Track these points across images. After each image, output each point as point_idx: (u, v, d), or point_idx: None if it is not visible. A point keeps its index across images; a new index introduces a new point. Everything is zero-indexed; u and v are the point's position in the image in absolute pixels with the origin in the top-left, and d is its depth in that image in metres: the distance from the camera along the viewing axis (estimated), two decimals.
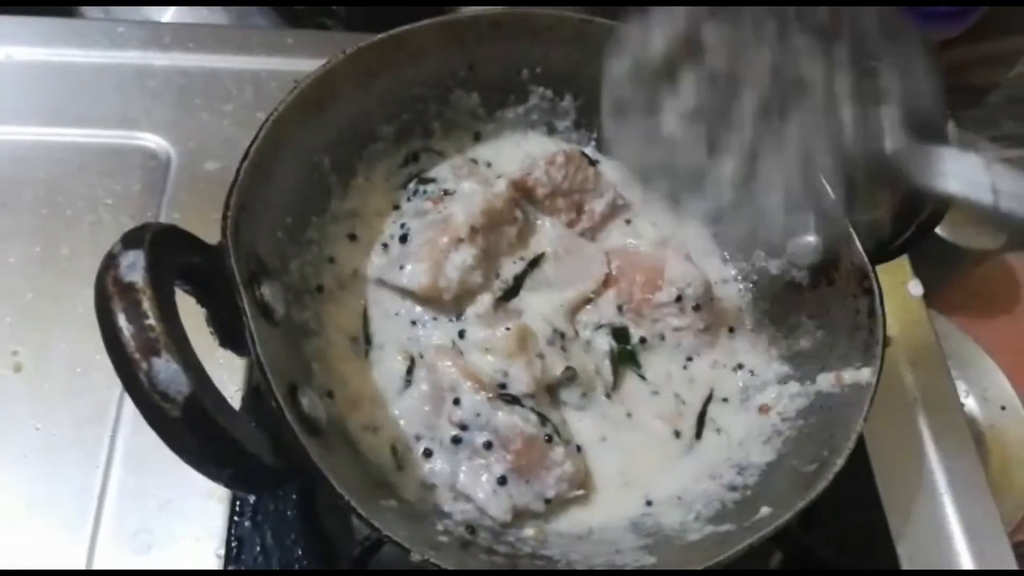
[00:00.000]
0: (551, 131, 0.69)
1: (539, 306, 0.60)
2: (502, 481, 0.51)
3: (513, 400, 0.53)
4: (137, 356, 0.36)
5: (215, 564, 0.57)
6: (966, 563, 0.65)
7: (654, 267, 0.62)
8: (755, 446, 0.56)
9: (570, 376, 0.57)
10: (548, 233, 0.63)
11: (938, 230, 0.88)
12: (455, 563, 0.44)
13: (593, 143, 0.69)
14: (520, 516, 0.52)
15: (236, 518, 0.59)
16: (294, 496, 0.59)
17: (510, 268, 0.60)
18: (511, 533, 0.51)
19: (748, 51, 0.48)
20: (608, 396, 0.58)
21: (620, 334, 0.60)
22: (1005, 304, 1.01)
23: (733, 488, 0.53)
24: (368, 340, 0.58)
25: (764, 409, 0.58)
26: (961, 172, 0.47)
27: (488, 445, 0.52)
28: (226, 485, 0.41)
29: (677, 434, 0.57)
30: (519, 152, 0.68)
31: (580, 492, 0.53)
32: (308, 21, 0.91)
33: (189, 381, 0.36)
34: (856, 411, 0.51)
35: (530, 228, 0.62)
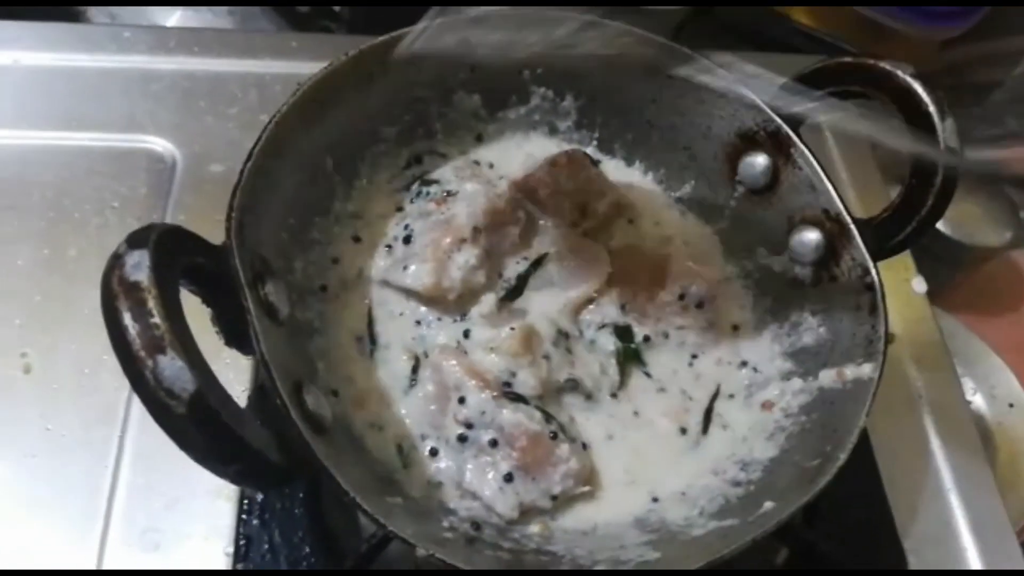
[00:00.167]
0: (553, 131, 0.69)
1: (543, 306, 0.60)
2: (508, 478, 0.52)
3: (518, 398, 0.54)
4: (143, 354, 0.36)
5: (224, 562, 0.58)
6: (973, 561, 0.64)
7: (657, 266, 0.62)
8: (758, 442, 0.56)
9: (573, 385, 0.57)
10: (551, 233, 0.63)
11: (942, 227, 0.88)
12: (461, 559, 0.45)
13: (595, 143, 0.69)
14: (527, 513, 0.52)
15: (244, 516, 0.59)
16: (301, 495, 0.60)
17: (514, 268, 0.61)
18: (516, 529, 0.51)
19: None
20: (614, 395, 0.58)
21: (624, 333, 0.60)
22: (1011, 302, 1.01)
23: (737, 484, 0.54)
24: (373, 340, 0.58)
25: (767, 405, 0.58)
26: None
27: (494, 443, 0.52)
28: (232, 481, 0.41)
29: (683, 431, 0.58)
30: (521, 153, 0.68)
31: (586, 488, 0.54)
32: (311, 24, 0.92)
33: (194, 378, 0.37)
34: (858, 406, 0.51)
35: (533, 228, 0.63)
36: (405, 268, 0.58)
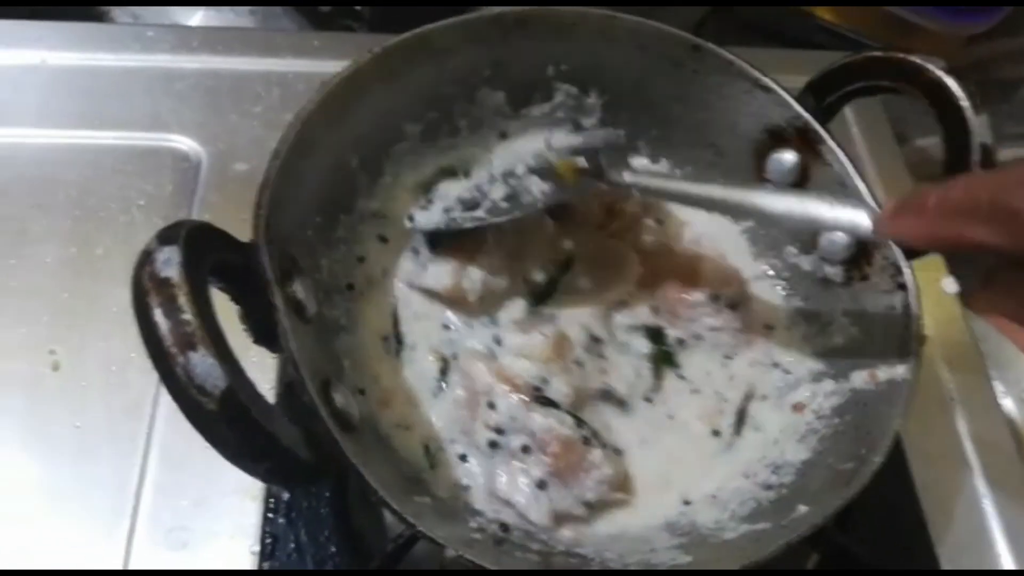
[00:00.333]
0: (577, 128, 0.68)
1: (573, 311, 0.59)
2: (541, 485, 0.51)
3: (549, 403, 0.53)
4: (174, 350, 0.36)
5: (250, 561, 0.57)
6: (1007, 564, 0.63)
7: (688, 266, 0.61)
8: (790, 444, 0.55)
9: (606, 395, 0.56)
10: (577, 235, 0.62)
11: None
12: (491, 560, 0.44)
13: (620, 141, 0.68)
14: (560, 520, 0.51)
15: (270, 515, 0.59)
16: (327, 494, 0.59)
17: (540, 271, 0.60)
18: (546, 531, 0.51)
19: None
20: (648, 399, 0.57)
21: (656, 335, 0.60)
22: None
23: (768, 487, 0.53)
24: (399, 340, 0.57)
25: (799, 407, 0.57)
26: None
27: (525, 449, 0.51)
28: (262, 479, 0.41)
29: (716, 433, 0.57)
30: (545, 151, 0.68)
31: (621, 495, 0.53)
32: (333, 24, 0.92)
33: (225, 375, 0.36)
34: (892, 408, 0.51)
35: (560, 231, 0.62)
36: (426, 268, 0.58)
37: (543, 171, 0.58)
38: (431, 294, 0.58)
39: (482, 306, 0.58)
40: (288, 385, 0.61)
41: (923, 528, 0.63)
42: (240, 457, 0.38)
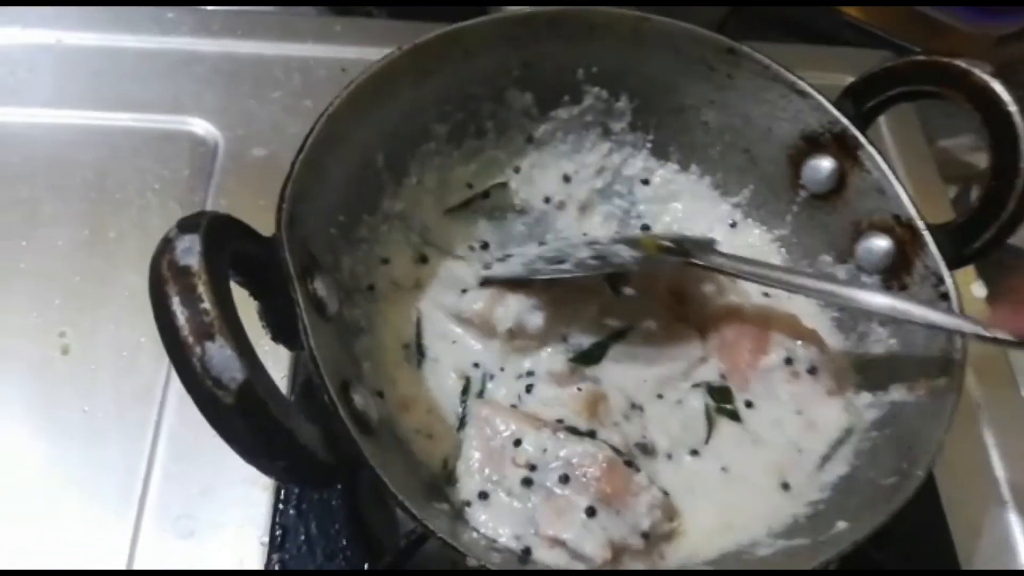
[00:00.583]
0: (606, 133, 0.67)
1: (619, 378, 0.56)
2: (591, 512, 0.46)
3: (576, 431, 0.50)
4: (191, 340, 0.35)
5: (259, 552, 0.55)
6: None
7: (758, 330, 0.57)
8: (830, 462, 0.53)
9: (644, 449, 0.53)
10: (641, 307, 0.59)
11: None
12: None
13: (649, 146, 0.67)
14: (619, 552, 0.46)
15: (280, 506, 0.57)
16: (339, 486, 0.58)
17: (590, 333, 0.57)
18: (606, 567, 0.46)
19: None
20: (695, 452, 0.54)
21: (723, 394, 0.56)
22: None
23: (806, 503, 0.50)
24: (421, 352, 0.56)
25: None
26: None
27: (564, 478, 0.47)
28: (278, 479, 0.39)
29: (785, 486, 0.52)
30: (572, 163, 0.66)
31: (674, 524, 0.49)
32: (352, 9, 0.90)
33: (243, 367, 0.35)
34: (934, 421, 0.48)
35: (613, 301, 0.59)
36: (464, 291, 0.57)
37: (629, 241, 0.56)
38: (461, 319, 0.56)
39: (511, 343, 0.56)
40: (305, 384, 0.60)
41: (948, 539, 0.61)
42: (255, 454, 0.37)
